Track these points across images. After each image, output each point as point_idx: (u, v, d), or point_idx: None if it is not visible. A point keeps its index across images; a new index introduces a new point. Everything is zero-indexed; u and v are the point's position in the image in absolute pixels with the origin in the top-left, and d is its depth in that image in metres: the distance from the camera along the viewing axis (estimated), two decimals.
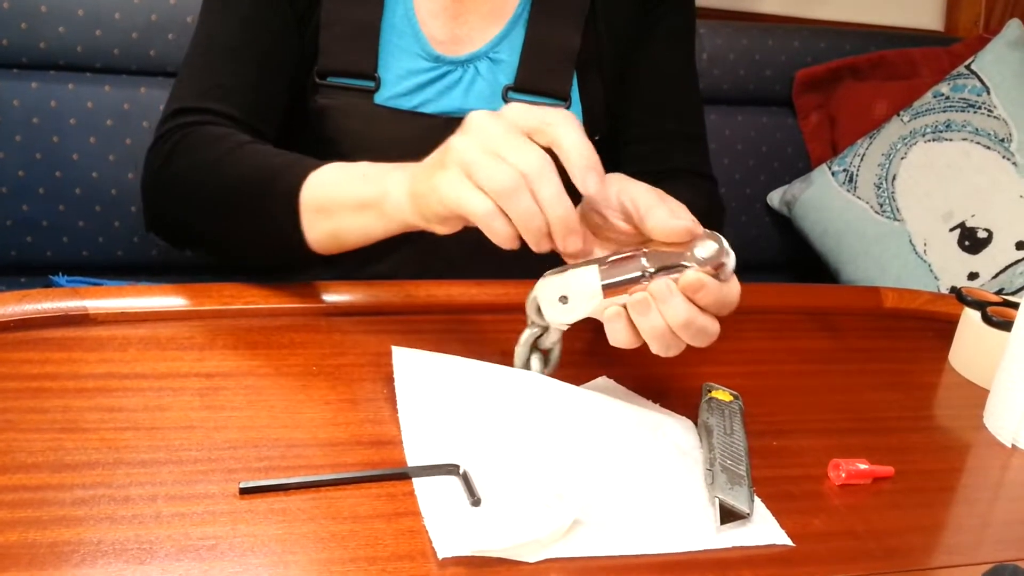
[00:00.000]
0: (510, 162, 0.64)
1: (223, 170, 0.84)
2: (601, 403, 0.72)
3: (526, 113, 0.67)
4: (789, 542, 0.62)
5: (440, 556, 0.56)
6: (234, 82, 0.93)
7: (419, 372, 0.72)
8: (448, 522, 0.59)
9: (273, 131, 0.96)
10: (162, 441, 0.64)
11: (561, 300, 0.69)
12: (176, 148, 0.88)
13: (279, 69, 0.96)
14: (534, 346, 0.72)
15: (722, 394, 0.75)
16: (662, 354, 0.67)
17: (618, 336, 0.67)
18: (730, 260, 0.67)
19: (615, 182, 0.70)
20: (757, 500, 0.65)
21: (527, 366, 0.73)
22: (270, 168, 0.82)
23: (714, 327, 0.66)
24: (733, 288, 0.67)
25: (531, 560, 0.58)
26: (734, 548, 0.61)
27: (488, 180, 0.64)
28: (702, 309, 0.65)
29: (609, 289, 0.67)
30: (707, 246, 0.66)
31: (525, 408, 0.69)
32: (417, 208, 0.71)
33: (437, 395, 0.70)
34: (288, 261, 0.83)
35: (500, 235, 0.65)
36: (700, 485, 0.66)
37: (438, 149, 0.69)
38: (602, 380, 0.78)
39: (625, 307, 0.67)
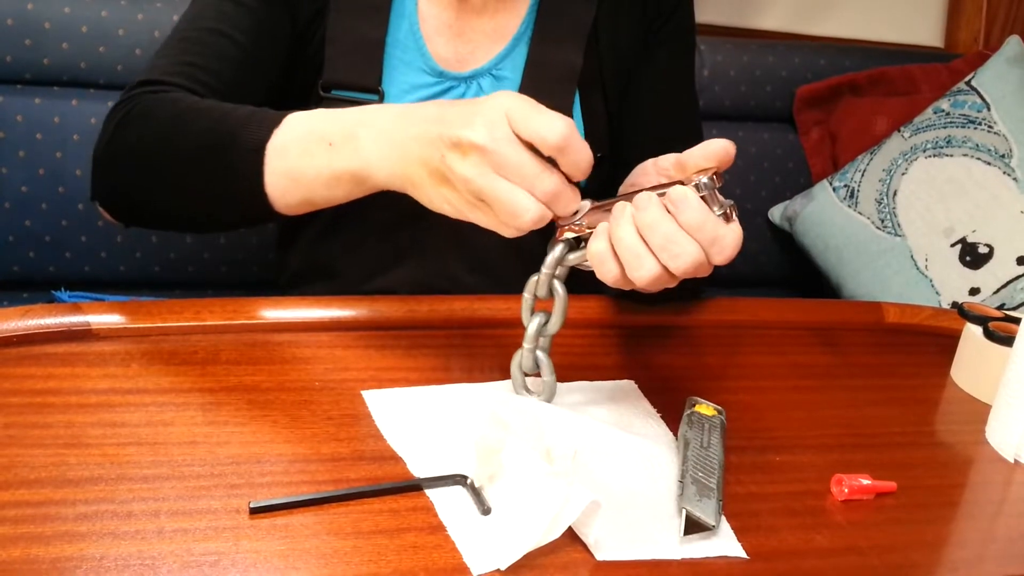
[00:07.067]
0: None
1: (181, 127, 0.81)
2: (578, 419, 0.72)
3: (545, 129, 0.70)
4: (744, 555, 0.62)
5: (475, 574, 0.57)
6: (208, 63, 0.91)
7: (397, 409, 0.73)
8: (477, 539, 0.60)
9: None
10: (165, 456, 0.64)
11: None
12: (131, 114, 0.84)
13: (260, 59, 0.94)
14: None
15: (705, 408, 0.75)
16: (636, 276, 0.66)
17: (596, 245, 0.67)
18: (732, 209, 0.67)
19: (649, 170, 0.76)
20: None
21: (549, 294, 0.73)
22: (233, 120, 0.79)
23: (693, 250, 0.65)
24: (732, 229, 0.67)
25: (555, 537, 0.58)
26: (735, 561, 0.61)
27: (540, 185, 0.67)
28: (686, 230, 0.65)
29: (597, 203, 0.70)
30: (706, 178, 0.66)
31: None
32: (417, 188, 0.71)
33: (419, 425, 0.71)
34: (249, 221, 0.81)
35: (525, 224, 0.66)
36: (672, 497, 0.66)
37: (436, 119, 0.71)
38: (626, 383, 0.80)
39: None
